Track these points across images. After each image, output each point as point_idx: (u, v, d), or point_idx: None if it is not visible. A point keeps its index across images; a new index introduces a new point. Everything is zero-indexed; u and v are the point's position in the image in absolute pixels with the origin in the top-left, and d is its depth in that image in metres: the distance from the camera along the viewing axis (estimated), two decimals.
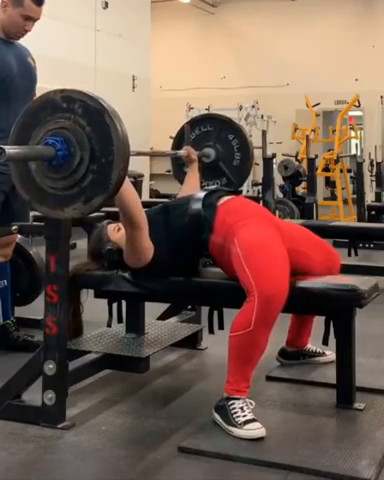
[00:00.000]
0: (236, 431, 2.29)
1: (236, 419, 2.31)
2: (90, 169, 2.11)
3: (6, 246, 3.26)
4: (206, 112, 10.24)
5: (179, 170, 3.64)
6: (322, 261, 2.71)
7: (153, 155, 3.15)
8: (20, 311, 3.63)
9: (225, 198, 2.68)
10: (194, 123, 3.71)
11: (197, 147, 3.49)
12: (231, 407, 2.33)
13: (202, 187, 3.36)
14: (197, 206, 2.61)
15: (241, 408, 2.33)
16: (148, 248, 2.52)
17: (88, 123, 2.11)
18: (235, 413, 2.32)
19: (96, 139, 2.10)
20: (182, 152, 3.34)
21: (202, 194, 2.67)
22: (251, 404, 2.36)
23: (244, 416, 2.31)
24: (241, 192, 6.79)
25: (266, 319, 2.33)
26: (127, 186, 2.28)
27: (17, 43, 3.24)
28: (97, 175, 2.10)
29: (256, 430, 2.27)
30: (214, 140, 3.62)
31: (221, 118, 3.71)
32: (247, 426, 2.28)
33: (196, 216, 2.59)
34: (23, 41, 3.28)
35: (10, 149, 2.00)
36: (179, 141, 3.66)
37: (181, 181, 3.52)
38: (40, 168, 2.18)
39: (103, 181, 2.10)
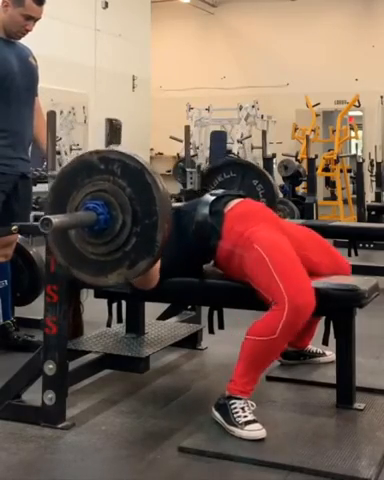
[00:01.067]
0: (237, 431, 2.29)
1: (237, 419, 2.30)
2: (133, 232, 2.05)
3: (7, 246, 3.26)
4: (207, 115, 10.25)
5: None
6: (328, 264, 2.69)
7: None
8: (20, 311, 3.63)
9: (232, 203, 2.65)
10: (216, 169, 3.69)
11: None
12: (232, 407, 2.33)
13: None
14: (204, 213, 2.58)
15: (242, 408, 2.32)
16: (154, 282, 2.49)
17: (128, 184, 2.06)
18: (236, 413, 2.32)
19: (138, 200, 2.05)
20: None
21: (209, 200, 2.64)
22: (252, 405, 2.36)
23: (245, 417, 2.31)
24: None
25: (292, 329, 2.33)
26: None
27: (18, 43, 3.23)
28: (141, 237, 2.05)
29: (257, 431, 2.27)
30: (238, 186, 3.59)
31: (244, 163, 3.69)
32: (248, 427, 2.28)
33: (203, 223, 2.57)
34: (23, 41, 3.27)
35: (55, 218, 1.95)
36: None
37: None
38: (80, 233, 2.12)
39: (147, 243, 2.05)
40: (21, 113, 3.14)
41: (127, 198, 2.06)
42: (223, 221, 2.56)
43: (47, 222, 1.93)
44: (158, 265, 2.45)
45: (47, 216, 1.94)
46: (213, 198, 2.65)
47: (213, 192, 2.79)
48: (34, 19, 3.12)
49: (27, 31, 3.15)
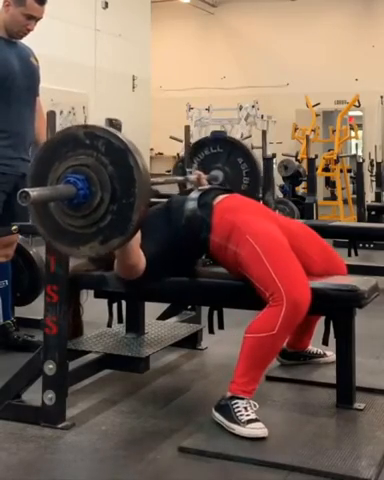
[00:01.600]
0: (238, 429, 2.28)
1: (239, 417, 2.30)
2: (110, 209, 2.07)
3: (7, 246, 3.26)
4: (207, 115, 10.25)
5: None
6: (320, 262, 2.69)
7: (165, 183, 3.11)
8: (20, 311, 3.63)
9: (221, 197, 2.65)
10: (203, 144, 3.69)
11: (205, 168, 3.47)
12: (235, 406, 2.32)
13: None
14: (192, 206, 2.58)
15: (245, 408, 2.32)
16: (136, 265, 2.44)
17: (111, 162, 2.07)
18: (238, 412, 2.31)
19: (118, 179, 2.06)
20: (192, 177, 3.32)
21: (197, 194, 2.64)
22: (255, 406, 2.35)
23: (247, 415, 2.30)
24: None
25: (291, 324, 2.33)
26: None
27: (19, 42, 3.23)
28: (117, 216, 2.07)
29: (258, 429, 2.27)
30: (223, 162, 3.60)
31: (231, 140, 3.69)
32: (250, 425, 2.28)
33: (192, 216, 2.56)
34: (23, 40, 3.27)
35: (33, 192, 1.97)
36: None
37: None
38: (59, 205, 2.14)
39: (122, 223, 2.06)
40: (22, 113, 3.13)
41: (108, 176, 2.08)
42: (212, 213, 2.55)
43: (25, 195, 1.95)
44: (142, 257, 2.43)
45: (25, 189, 1.97)
46: (201, 192, 2.65)
47: (200, 188, 2.80)
48: (35, 19, 3.12)
49: (28, 31, 3.14)
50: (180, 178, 3.48)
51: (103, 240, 2.10)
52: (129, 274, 2.49)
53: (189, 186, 3.36)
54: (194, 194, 2.65)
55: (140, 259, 2.44)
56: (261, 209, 2.73)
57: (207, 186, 2.81)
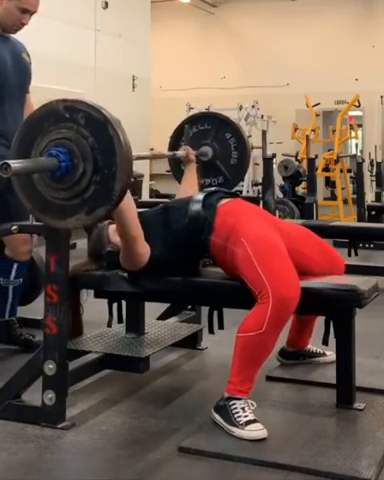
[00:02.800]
0: (237, 431, 2.29)
1: (237, 419, 2.30)
2: (93, 180, 2.10)
3: (27, 243, 3.24)
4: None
5: (177, 169, 3.65)
6: (321, 262, 2.70)
7: (152, 158, 3.13)
8: (20, 311, 3.62)
9: (225, 200, 2.68)
10: (192, 121, 3.71)
11: (194, 145, 3.49)
12: (232, 407, 2.33)
13: (200, 185, 3.37)
14: (197, 207, 2.60)
15: (242, 408, 2.32)
16: (143, 254, 2.51)
17: (91, 134, 2.10)
18: (236, 413, 2.31)
19: (99, 150, 2.09)
20: (181, 153, 3.35)
21: (202, 195, 2.66)
22: (252, 405, 2.36)
23: (246, 416, 2.30)
24: (240, 193, 6.80)
25: (279, 322, 2.32)
26: (126, 198, 2.27)
27: (12, 38, 3.18)
28: (100, 186, 2.10)
29: (258, 431, 2.27)
30: (212, 138, 3.62)
31: (219, 117, 3.71)
32: (249, 427, 2.28)
33: (196, 217, 2.58)
34: (23, 40, 3.26)
35: (15, 163, 1.99)
36: (176, 140, 3.66)
37: (180, 180, 3.52)
38: (42, 178, 2.17)
39: (106, 192, 2.09)
40: (14, 111, 3.11)
41: (89, 147, 2.10)
42: (215, 214, 2.58)
43: (6, 166, 1.97)
44: (143, 249, 2.48)
45: (6, 161, 1.98)
46: (205, 194, 2.68)
47: (205, 189, 2.82)
48: (30, 12, 3.07)
49: (23, 25, 3.10)
50: (169, 153, 3.50)
51: (88, 211, 2.14)
52: (133, 265, 2.54)
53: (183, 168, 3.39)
54: (199, 196, 2.67)
55: (147, 250, 2.50)
56: (261, 213, 2.75)
57: (212, 188, 2.83)
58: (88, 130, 2.11)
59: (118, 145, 2.07)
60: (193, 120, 3.73)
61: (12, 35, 3.19)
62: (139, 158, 2.94)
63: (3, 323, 3.31)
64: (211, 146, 3.61)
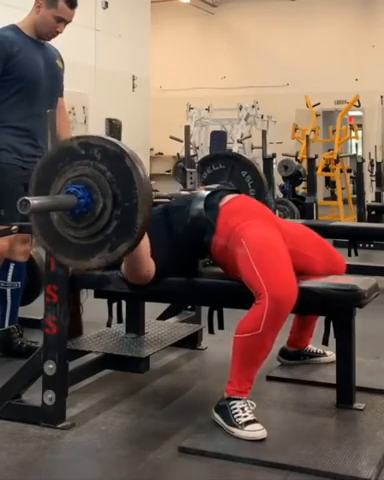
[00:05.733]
0: (237, 432, 2.29)
1: (237, 420, 2.30)
2: (114, 215, 2.07)
3: (26, 242, 3.23)
4: (207, 115, 10.25)
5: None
6: (323, 262, 2.69)
7: (170, 197, 3.14)
8: (20, 311, 3.62)
9: (227, 198, 2.65)
10: (205, 162, 3.71)
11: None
12: (232, 407, 2.33)
13: None
14: (199, 207, 2.58)
15: (242, 409, 2.32)
16: (150, 275, 2.47)
17: (108, 168, 2.08)
18: (236, 413, 2.31)
19: (118, 184, 2.07)
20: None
21: (204, 194, 2.64)
22: (252, 405, 2.35)
23: (245, 417, 2.30)
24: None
25: (275, 322, 2.32)
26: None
27: (47, 44, 3.25)
28: (121, 220, 2.07)
29: (257, 431, 2.27)
30: (227, 178, 3.61)
31: (232, 155, 3.70)
32: (248, 427, 2.28)
33: (198, 218, 2.57)
34: None
35: (33, 200, 1.97)
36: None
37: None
38: (62, 218, 2.14)
39: (128, 226, 2.06)
40: (43, 114, 3.15)
41: (107, 182, 2.09)
42: (218, 215, 2.56)
43: (25, 203, 1.95)
44: (153, 264, 2.45)
45: (25, 197, 1.96)
46: (208, 193, 2.66)
47: (208, 187, 2.80)
48: (65, 22, 3.15)
49: (57, 33, 3.17)
50: (187, 193, 3.49)
51: (111, 247, 2.10)
52: (140, 281, 2.51)
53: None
54: (201, 194, 2.65)
55: (151, 268, 2.46)
56: (263, 212, 2.73)
57: (215, 186, 2.81)
58: (105, 164, 2.08)
59: (137, 177, 2.04)
60: (205, 162, 3.72)
61: (47, 42, 3.26)
62: (158, 198, 2.91)
63: (3, 333, 3.22)
64: (227, 186, 3.61)
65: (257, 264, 2.35)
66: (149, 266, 2.45)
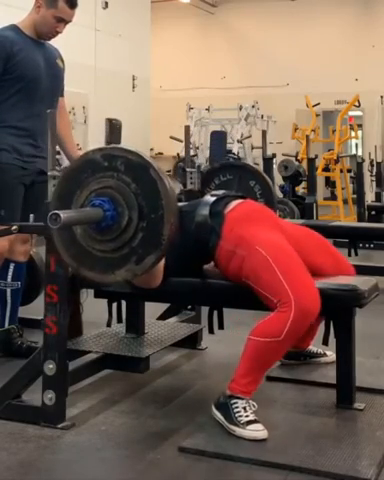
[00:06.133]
0: (238, 430, 2.28)
1: (239, 418, 2.30)
2: (140, 227, 2.07)
3: (26, 242, 3.23)
4: (207, 115, 10.25)
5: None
6: (329, 264, 2.68)
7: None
8: (20, 311, 3.62)
9: (233, 204, 2.64)
10: (213, 172, 3.69)
11: None
12: (234, 406, 2.32)
13: None
14: (204, 213, 2.57)
15: (244, 408, 2.32)
16: (158, 282, 2.49)
17: (133, 180, 2.07)
18: (238, 412, 2.31)
19: (143, 195, 2.06)
20: None
21: (210, 200, 2.63)
22: (254, 406, 2.35)
23: (247, 416, 2.30)
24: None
25: (297, 331, 2.32)
26: None
27: (47, 44, 3.25)
28: (147, 232, 2.06)
29: (258, 431, 2.26)
30: (235, 188, 3.59)
31: (239, 165, 3.68)
32: (250, 426, 2.27)
33: (203, 225, 2.56)
34: None
35: (64, 213, 1.95)
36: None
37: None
38: (86, 231, 2.13)
39: (154, 238, 2.06)
40: (43, 114, 3.15)
41: (132, 194, 2.07)
42: (223, 222, 2.55)
43: (55, 217, 1.93)
44: (162, 264, 2.45)
45: (56, 211, 1.94)
46: (214, 199, 2.64)
47: (214, 193, 2.78)
48: (65, 22, 3.15)
49: (57, 33, 3.17)
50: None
51: (138, 260, 2.09)
52: (148, 286, 2.53)
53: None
54: (207, 199, 2.64)
55: (161, 276, 2.48)
56: (270, 217, 2.72)
57: (221, 192, 2.79)
58: (129, 176, 2.08)
59: (162, 188, 2.04)
60: (212, 172, 3.71)
61: (48, 41, 3.26)
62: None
63: (3, 333, 3.22)
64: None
65: (281, 270, 2.34)
66: (160, 274, 2.48)
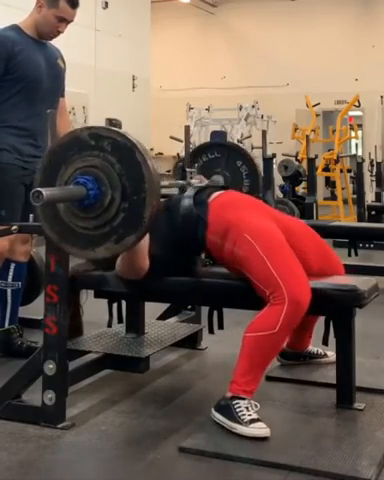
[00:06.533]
0: (240, 428, 2.28)
1: (241, 417, 2.29)
2: (121, 207, 2.09)
3: (27, 242, 3.23)
4: (207, 115, 10.25)
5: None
6: (316, 259, 2.66)
7: (168, 187, 3.13)
8: (20, 311, 3.62)
9: (216, 194, 2.65)
10: (200, 150, 3.70)
11: (205, 174, 3.48)
12: (236, 406, 2.32)
13: None
14: (188, 204, 2.57)
15: (246, 408, 2.31)
16: (144, 267, 2.48)
17: (118, 160, 2.09)
18: (240, 412, 2.30)
19: (127, 176, 2.08)
20: (194, 181, 3.32)
21: (192, 192, 2.64)
22: (256, 406, 2.34)
23: (249, 415, 2.30)
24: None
25: (292, 322, 2.33)
26: None
27: (49, 44, 3.25)
28: (129, 213, 2.08)
29: (261, 429, 2.26)
30: (222, 167, 3.60)
31: (228, 145, 3.69)
32: (252, 425, 2.27)
33: (188, 215, 2.56)
34: None
35: (46, 191, 1.98)
36: (182, 166, 3.62)
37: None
38: (69, 208, 2.15)
39: (135, 219, 2.08)
40: (44, 114, 3.15)
41: (116, 174, 2.09)
42: (208, 210, 2.54)
43: (38, 194, 1.96)
44: (147, 259, 2.45)
45: (38, 189, 1.97)
46: (195, 190, 2.65)
47: (196, 185, 2.80)
48: (66, 21, 3.14)
49: (59, 32, 3.16)
50: (182, 182, 3.48)
51: (118, 239, 2.12)
52: (132, 275, 2.51)
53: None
54: (189, 192, 2.65)
55: (146, 261, 2.47)
56: (256, 204, 2.70)
57: (203, 183, 2.81)
58: (115, 157, 2.09)
59: (146, 170, 2.05)
60: (201, 149, 3.71)
61: (49, 42, 3.25)
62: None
63: (3, 333, 3.22)
64: (222, 175, 3.60)
65: (272, 261, 2.34)
66: (145, 260, 2.46)
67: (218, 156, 3.64)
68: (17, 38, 3.10)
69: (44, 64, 3.16)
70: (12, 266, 3.23)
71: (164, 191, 3.38)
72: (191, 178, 3.32)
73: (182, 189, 3.61)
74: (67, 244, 2.22)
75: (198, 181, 3.26)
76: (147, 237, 2.39)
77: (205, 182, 3.25)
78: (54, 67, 3.23)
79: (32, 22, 3.15)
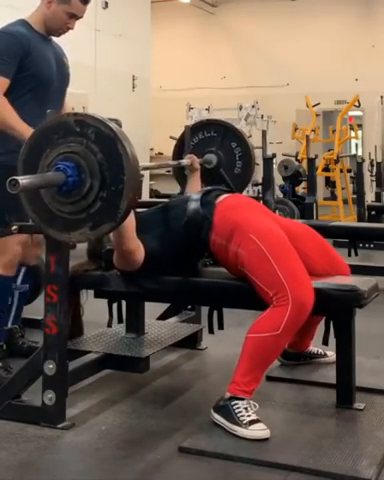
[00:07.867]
0: (240, 430, 2.28)
1: (241, 418, 2.29)
2: (99, 196, 2.11)
3: (38, 246, 3.21)
4: (207, 115, 10.26)
5: (179, 171, 3.62)
6: (321, 262, 2.68)
7: (157, 167, 3.12)
8: None
9: (223, 196, 2.66)
10: (197, 128, 3.68)
11: (199, 152, 3.47)
12: (235, 407, 2.32)
13: None
14: (195, 205, 2.58)
15: (245, 408, 2.32)
16: (134, 250, 2.47)
17: (100, 150, 2.10)
18: (239, 413, 2.30)
19: (107, 167, 2.09)
20: (185, 161, 3.32)
21: (199, 194, 2.65)
22: (255, 406, 2.34)
23: (248, 416, 2.29)
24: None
25: (295, 324, 2.33)
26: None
27: (53, 41, 3.16)
28: (106, 203, 2.10)
29: (261, 431, 2.26)
30: (217, 146, 3.59)
31: (225, 124, 3.68)
32: (252, 426, 2.27)
33: (194, 215, 2.56)
34: None
35: (23, 180, 1.99)
36: (181, 146, 3.62)
37: (180, 183, 3.51)
38: (49, 191, 2.17)
39: (111, 209, 2.10)
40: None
41: (97, 163, 2.11)
42: (214, 210, 2.55)
43: (14, 183, 1.97)
44: (140, 245, 2.46)
45: (15, 177, 1.98)
46: (203, 192, 2.66)
47: (203, 189, 2.81)
48: (76, 17, 3.06)
49: (68, 29, 3.09)
50: (173, 162, 3.48)
51: (93, 226, 2.14)
52: (127, 264, 2.51)
53: (186, 173, 3.38)
54: (196, 195, 2.66)
55: (138, 247, 2.47)
56: (261, 208, 2.74)
57: (209, 187, 2.81)
58: (97, 146, 2.10)
59: (126, 162, 2.07)
60: (198, 127, 3.70)
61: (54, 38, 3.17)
62: (145, 169, 2.92)
63: (5, 332, 3.19)
64: (216, 154, 3.59)
65: (277, 262, 2.34)
66: (133, 241, 2.45)
67: (214, 135, 3.63)
68: (29, 35, 2.99)
69: (54, 64, 3.08)
70: (23, 270, 3.23)
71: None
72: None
73: (175, 170, 3.60)
74: (45, 225, 2.25)
75: (189, 160, 3.27)
76: (132, 218, 2.40)
77: (197, 161, 3.27)
78: (62, 65, 3.16)
79: (40, 18, 3.04)
